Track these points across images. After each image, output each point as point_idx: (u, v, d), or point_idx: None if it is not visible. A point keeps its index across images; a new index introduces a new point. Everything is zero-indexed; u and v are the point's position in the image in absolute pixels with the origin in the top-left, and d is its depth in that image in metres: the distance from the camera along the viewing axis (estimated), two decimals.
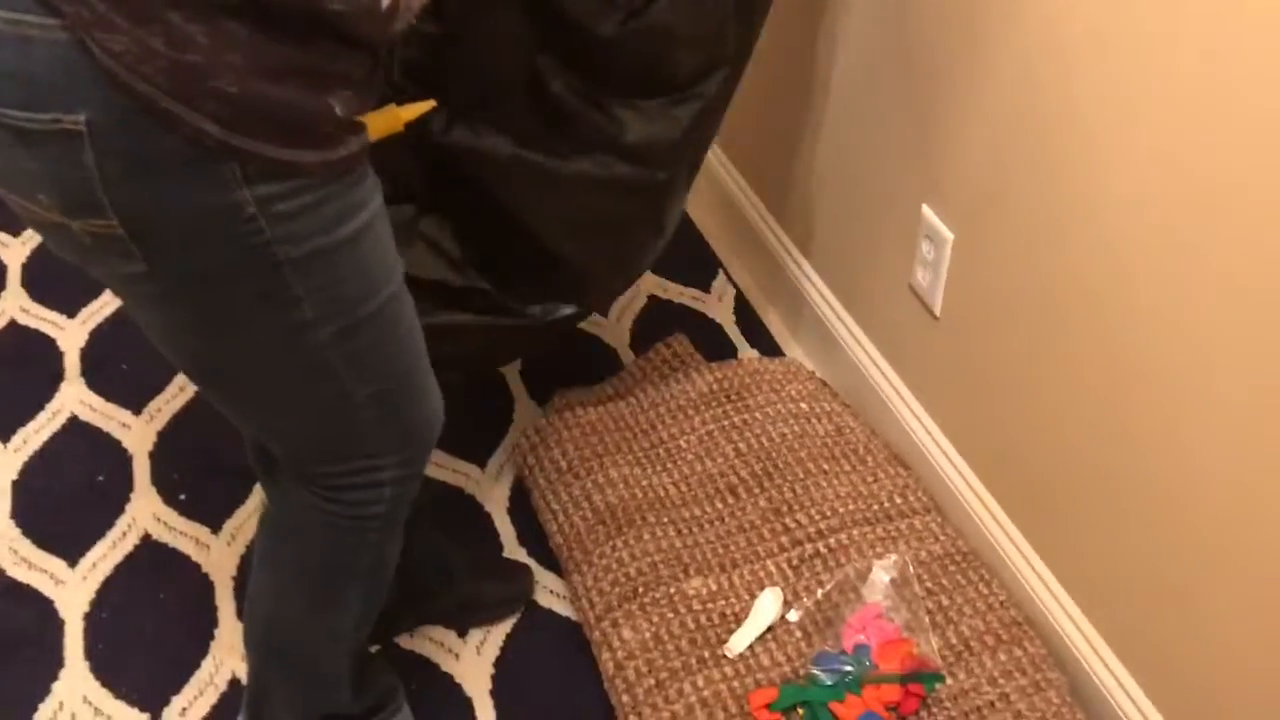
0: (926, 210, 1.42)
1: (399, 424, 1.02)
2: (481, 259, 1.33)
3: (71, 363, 1.79)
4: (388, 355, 0.97)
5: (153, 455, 1.65)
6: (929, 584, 1.36)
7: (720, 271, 1.95)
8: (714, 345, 1.80)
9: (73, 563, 1.52)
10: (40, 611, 1.47)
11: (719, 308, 1.89)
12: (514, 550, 1.54)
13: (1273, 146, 0.93)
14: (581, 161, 1.26)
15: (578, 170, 1.26)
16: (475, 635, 1.45)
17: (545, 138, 1.25)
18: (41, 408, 1.71)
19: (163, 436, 1.68)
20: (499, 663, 1.42)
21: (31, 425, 1.69)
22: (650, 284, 1.92)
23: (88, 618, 1.46)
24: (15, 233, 2.01)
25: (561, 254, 1.33)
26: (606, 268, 1.38)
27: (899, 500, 1.47)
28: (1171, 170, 1.04)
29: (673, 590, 1.35)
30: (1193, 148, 1.01)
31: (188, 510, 1.58)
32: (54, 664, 1.41)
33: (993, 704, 1.25)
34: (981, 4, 1.25)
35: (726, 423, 1.56)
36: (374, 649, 1.43)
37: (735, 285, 1.92)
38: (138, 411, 1.71)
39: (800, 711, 1.23)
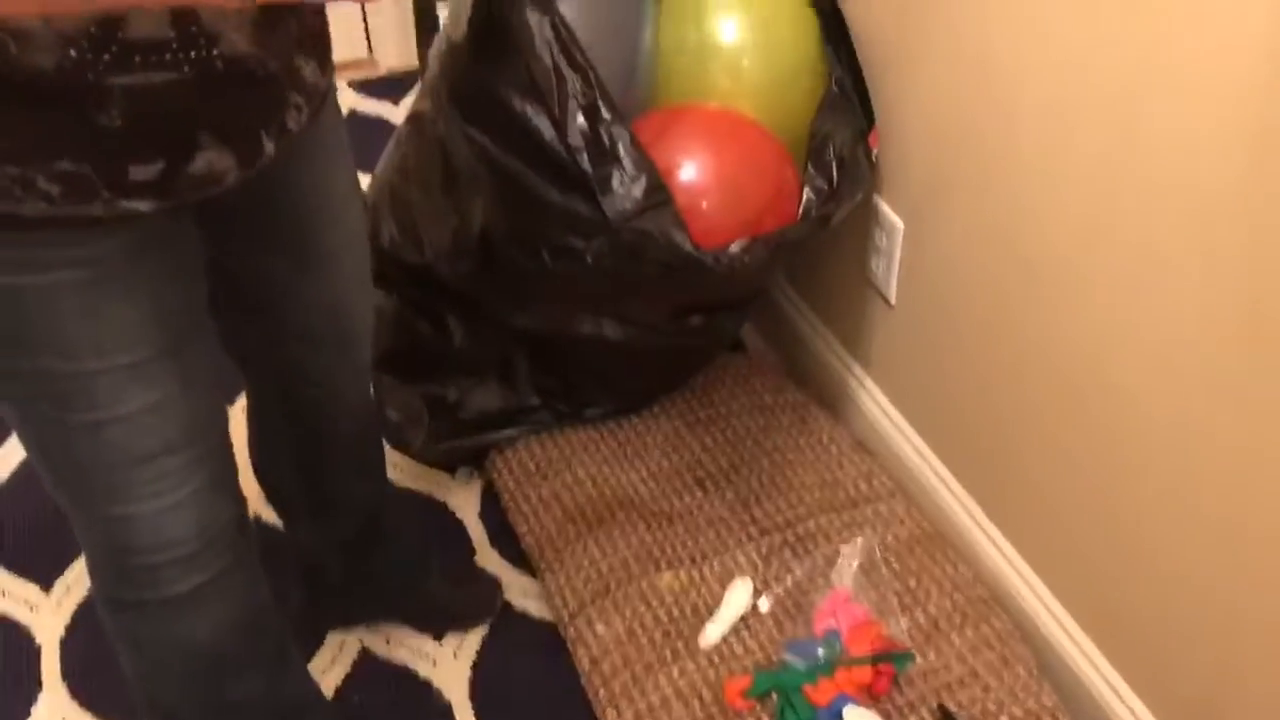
0: (878, 200, 1.45)
1: (80, 516, 0.96)
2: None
3: None
4: (44, 423, 0.90)
5: None
6: (896, 566, 1.39)
7: None
8: None
9: (47, 587, 1.52)
10: (16, 637, 1.47)
11: None
12: (485, 552, 1.56)
13: (1212, 130, 0.96)
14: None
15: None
16: (451, 640, 1.46)
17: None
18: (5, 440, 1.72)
19: None
20: (476, 666, 1.43)
21: (9, 444, 1.69)
22: None
23: (64, 643, 1.46)
24: None
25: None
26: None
27: (864, 486, 1.49)
28: (1111, 151, 1.07)
29: (645, 585, 1.37)
30: (1129, 132, 1.04)
31: None
32: (33, 687, 1.41)
33: (962, 680, 1.28)
34: None
35: (691, 417, 1.58)
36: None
37: None
38: None
39: (774, 697, 1.25)
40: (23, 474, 1.66)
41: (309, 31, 0.91)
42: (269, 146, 0.89)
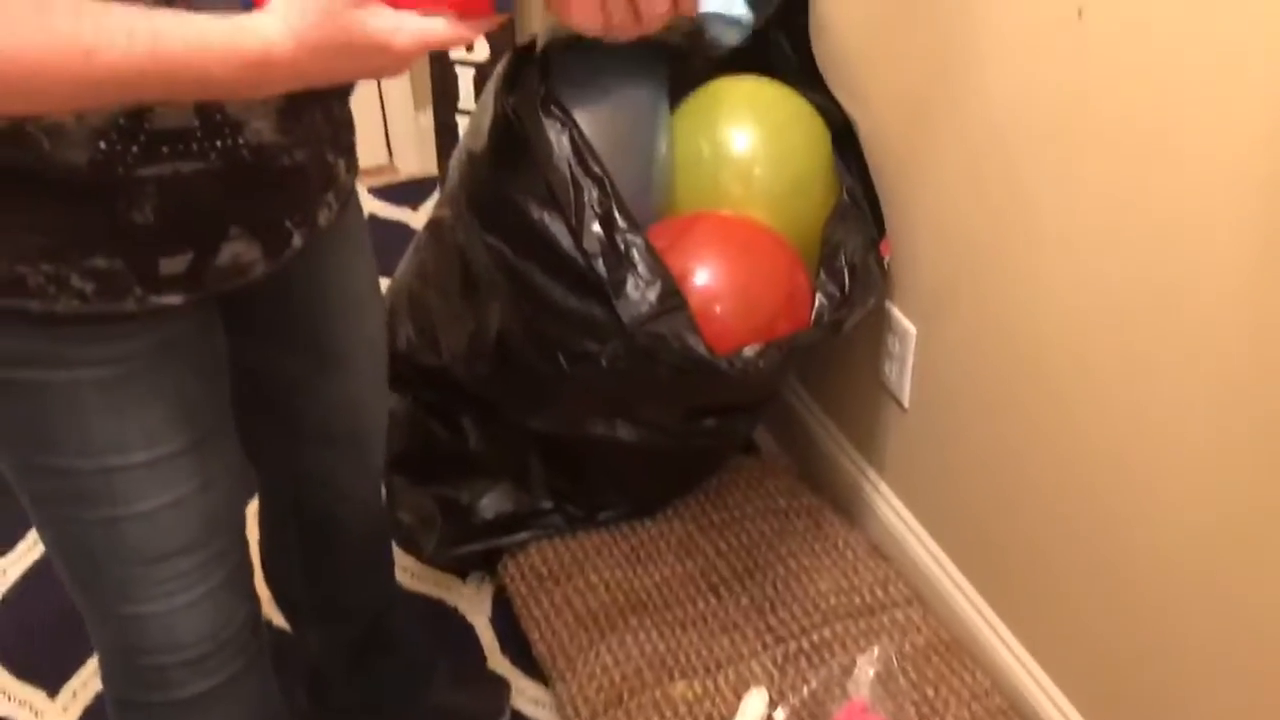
0: (890, 306, 1.46)
1: (93, 614, 0.96)
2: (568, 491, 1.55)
3: None
4: (62, 520, 0.90)
5: None
6: (913, 675, 1.36)
7: None
8: None
9: (53, 693, 1.50)
10: None
11: None
12: (496, 659, 1.54)
13: (1216, 227, 0.98)
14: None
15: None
16: None
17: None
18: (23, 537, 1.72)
19: None
20: None
21: (14, 552, 1.69)
22: None
23: None
24: None
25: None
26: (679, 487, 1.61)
27: (880, 593, 1.47)
28: (1118, 254, 1.08)
29: (658, 694, 1.34)
30: (1137, 233, 1.06)
31: None
32: None
33: None
34: (925, 100, 1.31)
35: (705, 521, 1.57)
36: None
37: None
38: None
39: None
40: (31, 578, 1.65)
41: (337, 125, 0.93)
42: (297, 239, 0.91)
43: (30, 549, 1.69)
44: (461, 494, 1.56)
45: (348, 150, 0.97)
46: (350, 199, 1.01)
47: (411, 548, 1.58)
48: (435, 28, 0.70)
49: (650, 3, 0.73)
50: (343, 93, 0.93)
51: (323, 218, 0.94)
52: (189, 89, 0.70)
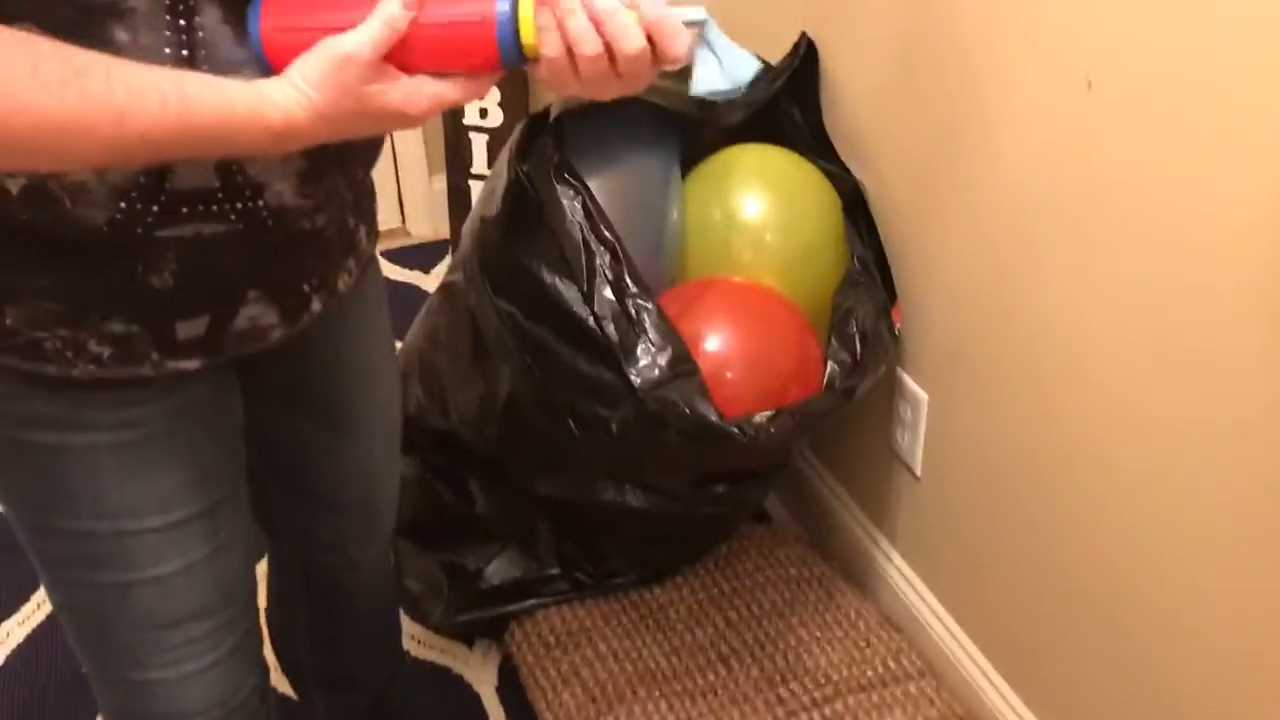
0: (901, 373, 1.46)
1: (100, 679, 0.95)
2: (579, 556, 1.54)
3: None
4: (73, 583, 0.90)
5: None
6: None
7: None
8: None
9: None
10: None
11: None
12: None
13: (1227, 293, 0.97)
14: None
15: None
16: None
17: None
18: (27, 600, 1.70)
19: None
20: None
21: (19, 614, 1.68)
22: None
23: None
24: None
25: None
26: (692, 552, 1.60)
27: (893, 665, 1.45)
28: (1129, 320, 1.08)
29: None
30: (1148, 300, 1.05)
31: None
32: None
33: None
34: (935, 168, 1.32)
35: (715, 590, 1.55)
36: None
37: None
38: None
39: None
40: (37, 641, 1.64)
41: (359, 192, 0.94)
42: (315, 304, 0.90)
43: (35, 611, 1.67)
44: (468, 560, 1.55)
45: (369, 217, 0.98)
46: (370, 265, 1.01)
47: (418, 615, 1.56)
48: (448, 89, 0.73)
49: (627, 56, 0.71)
50: (367, 160, 0.94)
51: (342, 283, 0.94)
52: (213, 149, 0.72)
